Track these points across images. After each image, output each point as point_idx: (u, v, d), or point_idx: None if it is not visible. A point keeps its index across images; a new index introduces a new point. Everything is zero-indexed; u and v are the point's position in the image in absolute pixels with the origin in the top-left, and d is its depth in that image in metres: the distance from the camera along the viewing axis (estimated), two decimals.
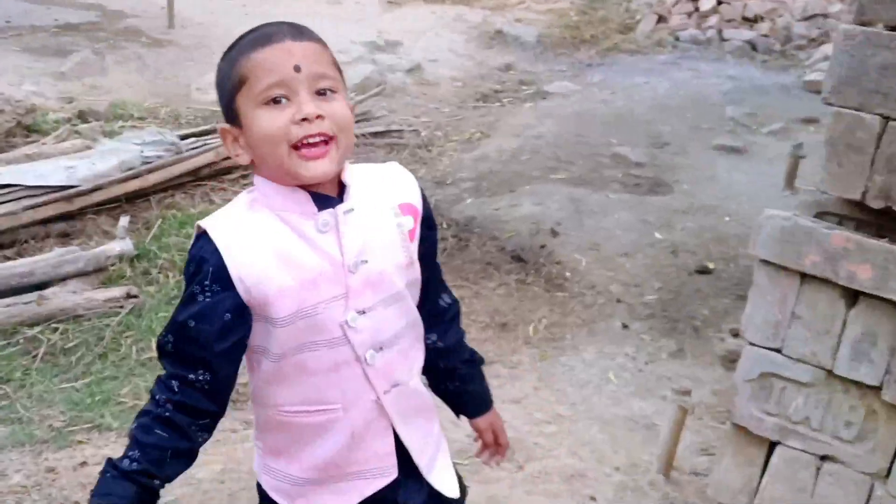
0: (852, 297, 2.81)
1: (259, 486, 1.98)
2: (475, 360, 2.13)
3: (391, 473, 1.89)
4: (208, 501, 3.43)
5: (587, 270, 5.65)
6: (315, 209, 1.73)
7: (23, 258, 5.12)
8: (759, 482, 3.11)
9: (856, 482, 2.88)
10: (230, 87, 1.71)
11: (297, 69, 1.66)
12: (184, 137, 6.52)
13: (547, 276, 5.57)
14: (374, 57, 10.14)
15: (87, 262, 5.06)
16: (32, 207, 5.41)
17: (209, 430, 1.79)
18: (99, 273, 5.14)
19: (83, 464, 3.68)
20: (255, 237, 1.71)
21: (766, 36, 10.71)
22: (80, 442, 3.91)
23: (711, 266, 5.72)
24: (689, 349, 4.95)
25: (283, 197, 1.73)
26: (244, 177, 6.55)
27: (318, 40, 1.74)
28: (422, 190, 1.91)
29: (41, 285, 4.89)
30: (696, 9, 11.32)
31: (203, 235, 1.72)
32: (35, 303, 4.68)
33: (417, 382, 1.93)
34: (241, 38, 1.73)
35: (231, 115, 1.73)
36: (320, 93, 1.69)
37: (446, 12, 11.74)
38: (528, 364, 4.68)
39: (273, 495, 1.94)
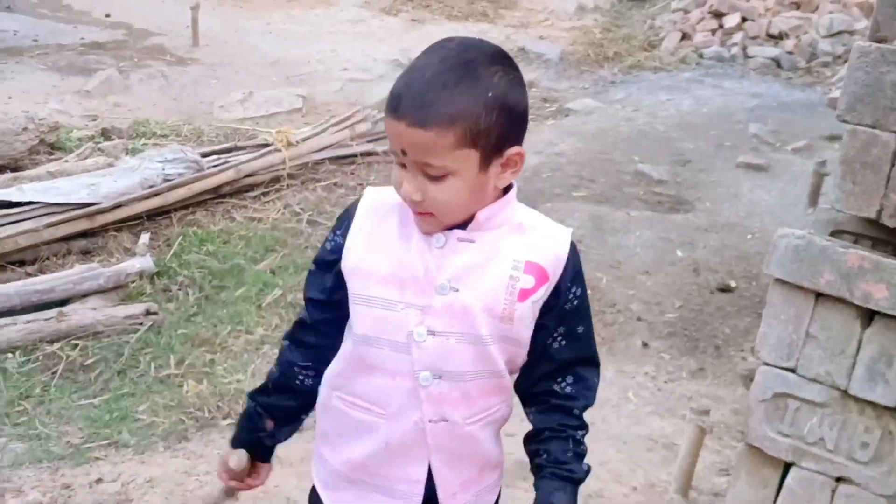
0: (868, 316, 2.77)
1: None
2: (563, 467, 1.87)
3: (413, 502, 1.89)
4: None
5: (608, 288, 5.63)
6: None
7: (44, 275, 5.16)
8: None
9: None
10: None
11: (404, 153, 1.71)
12: (205, 155, 6.56)
13: None
14: (397, 75, 10.13)
15: (108, 278, 5.09)
16: (54, 224, 5.45)
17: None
18: (119, 290, 5.17)
19: (98, 480, 3.70)
20: (384, 219, 1.84)
21: (790, 53, 10.63)
22: (96, 458, 3.93)
23: (733, 284, 5.69)
24: (710, 368, 4.92)
25: None
26: (265, 194, 6.59)
27: (438, 126, 1.67)
28: (571, 264, 1.84)
29: (61, 302, 4.93)
30: (721, 26, 11.26)
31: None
32: (55, 319, 4.72)
33: (478, 431, 1.87)
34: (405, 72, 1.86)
35: None
36: (430, 176, 1.71)
37: (469, 30, 11.73)
38: None
39: (316, 483, 1.99)
